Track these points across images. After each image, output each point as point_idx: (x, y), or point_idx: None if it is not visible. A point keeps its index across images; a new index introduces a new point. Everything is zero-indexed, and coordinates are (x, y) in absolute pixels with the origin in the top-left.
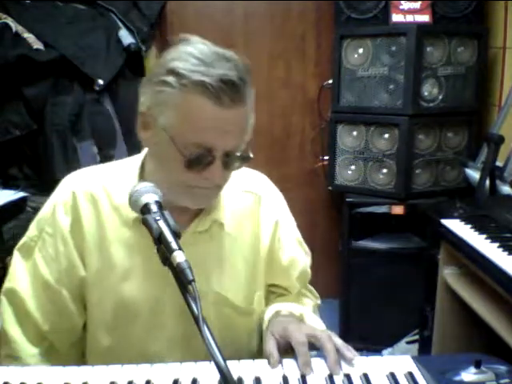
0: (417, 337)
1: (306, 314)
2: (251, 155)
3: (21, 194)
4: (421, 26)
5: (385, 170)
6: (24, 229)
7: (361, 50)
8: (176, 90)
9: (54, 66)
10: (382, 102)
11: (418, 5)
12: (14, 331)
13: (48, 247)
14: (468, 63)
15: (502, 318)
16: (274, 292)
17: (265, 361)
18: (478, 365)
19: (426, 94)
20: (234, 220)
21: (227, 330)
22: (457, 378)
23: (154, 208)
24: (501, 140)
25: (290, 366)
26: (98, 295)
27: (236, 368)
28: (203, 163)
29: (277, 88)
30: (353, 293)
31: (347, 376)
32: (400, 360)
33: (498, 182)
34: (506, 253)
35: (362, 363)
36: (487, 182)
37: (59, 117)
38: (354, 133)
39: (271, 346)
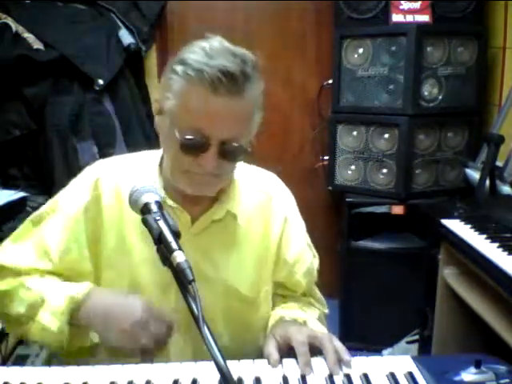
0: (417, 337)
1: (310, 320)
2: (249, 149)
3: (21, 194)
4: (421, 26)
5: (385, 170)
6: None
7: (361, 50)
8: (180, 77)
9: (53, 65)
10: (382, 102)
11: (417, 5)
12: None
13: (59, 220)
14: (468, 63)
15: (502, 317)
16: (279, 294)
17: (265, 361)
18: (478, 365)
19: (426, 94)
20: (247, 214)
21: (233, 321)
22: (457, 378)
23: (154, 208)
24: (501, 140)
25: (290, 366)
26: (113, 274)
27: (236, 368)
28: (198, 149)
29: (277, 88)
30: (353, 293)
31: (347, 376)
32: (400, 360)
33: (498, 182)
34: (506, 253)
35: (362, 363)
36: (487, 182)
37: (59, 117)
38: (354, 133)
39: (271, 346)
